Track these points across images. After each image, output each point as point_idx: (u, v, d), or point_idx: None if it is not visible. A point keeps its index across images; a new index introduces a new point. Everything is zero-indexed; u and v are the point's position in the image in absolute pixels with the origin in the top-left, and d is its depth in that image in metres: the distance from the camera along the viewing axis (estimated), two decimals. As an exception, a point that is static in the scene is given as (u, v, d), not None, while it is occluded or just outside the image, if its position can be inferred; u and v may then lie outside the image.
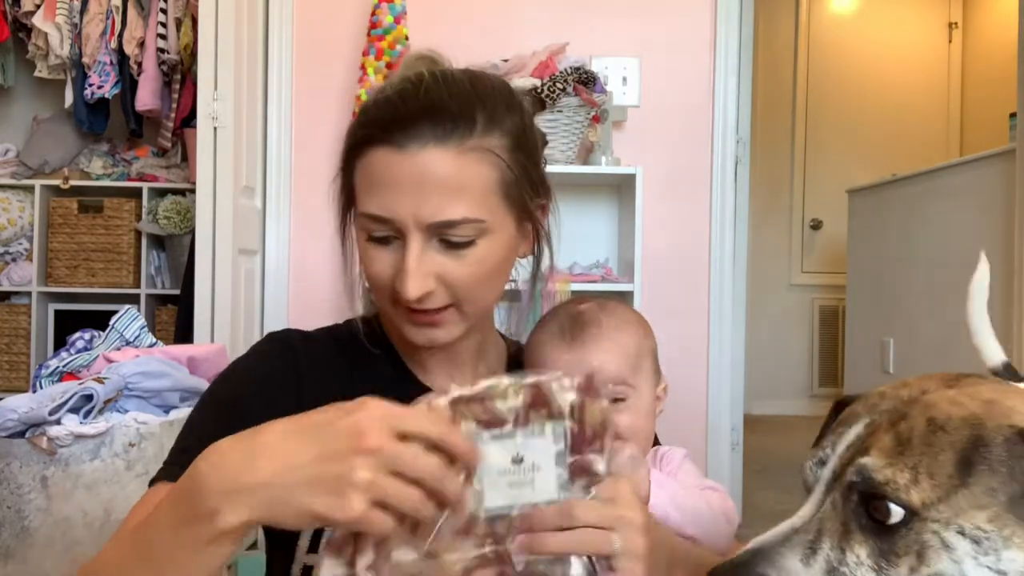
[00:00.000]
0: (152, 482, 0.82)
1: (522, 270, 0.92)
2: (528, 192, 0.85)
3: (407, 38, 2.59)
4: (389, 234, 0.81)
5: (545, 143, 0.93)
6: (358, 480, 0.56)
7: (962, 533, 0.56)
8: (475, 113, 0.80)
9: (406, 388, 0.87)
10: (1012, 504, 0.55)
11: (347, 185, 0.86)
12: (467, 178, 0.80)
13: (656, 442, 0.96)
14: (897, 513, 0.57)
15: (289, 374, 0.86)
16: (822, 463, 0.64)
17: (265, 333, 0.95)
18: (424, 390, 0.88)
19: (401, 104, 0.80)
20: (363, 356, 0.91)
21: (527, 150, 0.85)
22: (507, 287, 0.90)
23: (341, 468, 0.57)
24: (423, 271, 0.79)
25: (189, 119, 3.17)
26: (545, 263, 0.92)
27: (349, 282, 0.93)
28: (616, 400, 0.84)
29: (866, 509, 0.59)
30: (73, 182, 3.39)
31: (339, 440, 0.58)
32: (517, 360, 0.94)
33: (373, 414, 0.59)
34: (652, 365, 0.90)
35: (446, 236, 0.80)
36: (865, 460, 0.59)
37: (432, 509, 0.59)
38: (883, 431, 0.60)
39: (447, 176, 0.78)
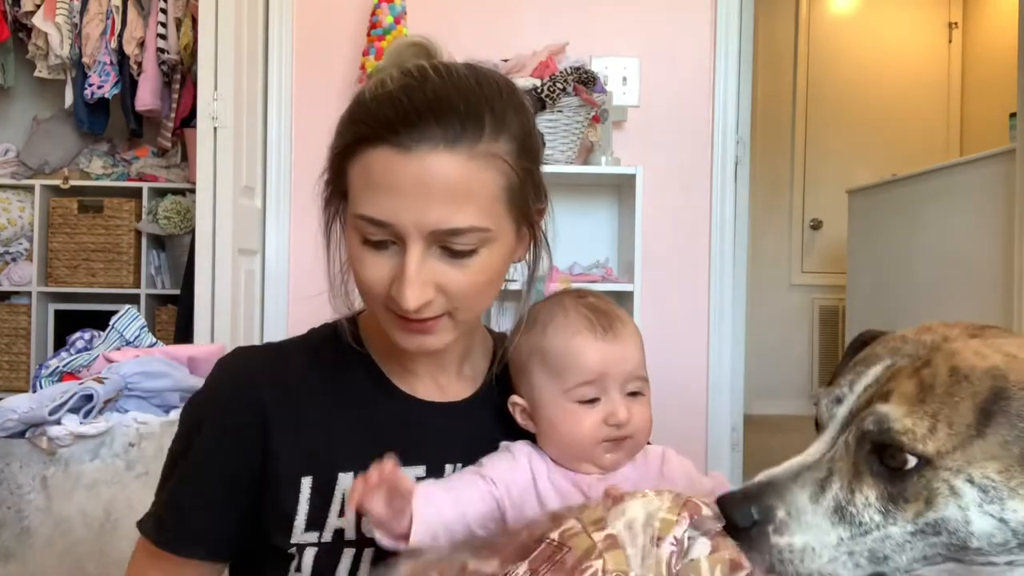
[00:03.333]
0: (140, 523, 0.84)
1: (517, 271, 0.91)
2: (531, 197, 0.82)
3: (407, 38, 2.58)
4: (386, 239, 0.76)
5: (543, 144, 0.90)
6: None
7: (971, 481, 0.57)
8: (483, 115, 0.76)
9: (383, 396, 0.87)
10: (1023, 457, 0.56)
11: (337, 181, 0.82)
12: (475, 185, 0.75)
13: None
14: (911, 462, 0.57)
15: (250, 422, 0.83)
16: (838, 401, 0.64)
17: (264, 334, 0.93)
18: (403, 396, 0.87)
19: (406, 100, 0.75)
20: (340, 365, 0.87)
21: (531, 154, 0.81)
22: (507, 287, 0.89)
23: None
24: (423, 280, 0.75)
25: (189, 119, 3.17)
26: (542, 268, 0.89)
27: (333, 280, 0.88)
28: (636, 394, 0.83)
29: (879, 455, 0.59)
30: (73, 182, 3.39)
31: None
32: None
33: None
34: None
35: (449, 244, 0.76)
36: (884, 408, 0.59)
37: None
38: (905, 376, 0.60)
39: (455, 183, 0.74)
